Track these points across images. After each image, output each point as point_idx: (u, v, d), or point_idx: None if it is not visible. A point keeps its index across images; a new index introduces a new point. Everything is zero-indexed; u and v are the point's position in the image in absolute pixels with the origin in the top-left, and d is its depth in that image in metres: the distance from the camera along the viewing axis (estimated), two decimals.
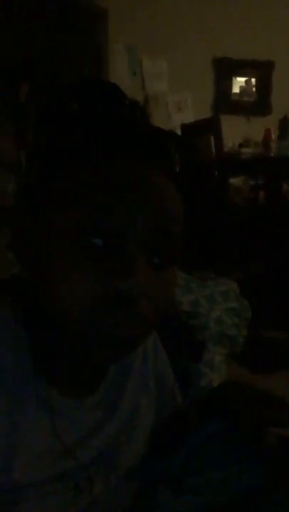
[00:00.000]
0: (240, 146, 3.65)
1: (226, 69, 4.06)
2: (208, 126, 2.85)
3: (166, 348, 0.75)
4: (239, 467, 0.61)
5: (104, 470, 0.58)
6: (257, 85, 4.19)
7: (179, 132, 2.95)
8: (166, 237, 0.48)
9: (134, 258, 0.46)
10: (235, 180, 3.16)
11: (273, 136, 3.38)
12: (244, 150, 3.39)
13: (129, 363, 0.63)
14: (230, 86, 4.15)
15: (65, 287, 0.46)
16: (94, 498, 0.57)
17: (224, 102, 4.12)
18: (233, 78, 4.14)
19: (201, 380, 0.97)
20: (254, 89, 4.20)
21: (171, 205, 0.49)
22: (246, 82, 4.19)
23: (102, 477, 0.58)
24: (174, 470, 0.62)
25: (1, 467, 0.49)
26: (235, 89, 4.19)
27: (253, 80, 4.18)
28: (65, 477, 0.54)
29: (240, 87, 4.19)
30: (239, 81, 4.17)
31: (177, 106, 3.96)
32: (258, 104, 4.19)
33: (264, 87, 4.17)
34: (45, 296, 0.48)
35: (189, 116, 3.70)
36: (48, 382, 0.53)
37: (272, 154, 3.23)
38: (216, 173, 2.78)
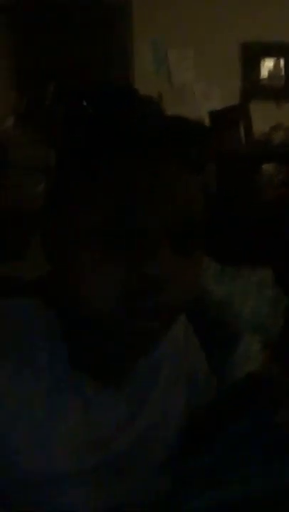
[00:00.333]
0: (271, 131, 3.56)
1: (254, 53, 3.97)
2: (237, 113, 2.80)
3: (199, 338, 0.75)
4: (278, 461, 0.60)
5: (139, 460, 0.59)
6: (286, 68, 4.08)
7: (207, 121, 2.91)
8: (188, 225, 0.50)
9: (158, 245, 0.47)
10: (266, 167, 3.09)
11: None
12: (275, 136, 3.31)
13: (160, 353, 0.64)
14: (258, 71, 4.06)
15: (90, 281, 0.48)
16: (130, 487, 0.58)
17: (253, 87, 4.03)
18: (261, 62, 4.04)
19: (236, 372, 0.96)
20: (283, 72, 4.10)
21: (190, 193, 0.50)
22: (275, 65, 4.08)
23: (136, 467, 0.59)
24: (209, 463, 0.62)
25: (42, 457, 0.51)
26: (264, 74, 4.09)
27: (282, 62, 4.07)
28: (100, 467, 0.55)
29: (269, 71, 4.09)
30: (267, 65, 4.08)
31: (204, 95, 3.91)
32: (287, 87, 4.08)
33: None
34: (74, 291, 0.50)
35: (217, 105, 3.64)
36: (83, 376, 0.54)
37: None
38: (247, 160, 2.73)
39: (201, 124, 0.55)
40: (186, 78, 3.89)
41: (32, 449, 0.51)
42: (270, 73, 4.10)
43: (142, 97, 0.52)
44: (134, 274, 0.47)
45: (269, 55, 4.03)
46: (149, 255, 0.47)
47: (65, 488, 0.53)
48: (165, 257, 0.47)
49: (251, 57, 3.98)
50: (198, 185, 0.52)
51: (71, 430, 0.53)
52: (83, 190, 0.50)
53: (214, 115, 2.99)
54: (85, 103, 0.51)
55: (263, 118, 3.45)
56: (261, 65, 4.05)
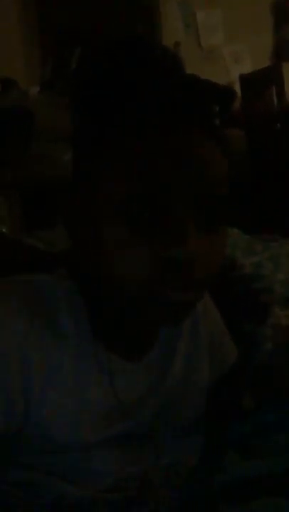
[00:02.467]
0: None
1: (286, 12, 3.80)
2: (269, 76, 2.69)
3: (229, 311, 0.74)
4: None
5: (164, 426, 0.60)
6: None
7: (238, 85, 2.82)
8: (212, 200, 0.49)
9: (183, 225, 0.47)
10: None
11: None
12: None
13: (179, 326, 0.63)
14: None
15: (118, 259, 0.48)
16: (158, 455, 0.59)
17: (285, 48, 3.86)
18: None
19: (266, 344, 0.95)
20: None
21: (215, 167, 0.49)
22: None
23: (162, 434, 0.60)
24: (242, 433, 0.62)
25: (70, 426, 0.52)
26: None
27: None
28: (127, 436, 0.56)
29: None
30: None
31: (234, 57, 3.78)
32: None
33: None
34: (99, 267, 0.50)
35: (248, 68, 3.51)
36: (106, 347, 0.55)
37: None
38: (279, 125, 2.64)
39: (221, 85, 0.53)
40: (215, 40, 3.76)
41: (61, 416, 0.52)
42: None
43: (158, 45, 0.51)
44: (162, 256, 0.47)
45: None
46: (176, 237, 0.47)
47: (93, 454, 0.54)
48: (191, 237, 0.47)
49: (283, 16, 3.81)
50: (223, 155, 0.50)
51: (96, 398, 0.54)
52: (105, 161, 0.49)
53: (245, 78, 2.89)
54: (104, 59, 0.50)
55: None
56: None
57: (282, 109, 2.61)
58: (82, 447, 0.53)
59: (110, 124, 0.49)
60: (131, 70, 0.48)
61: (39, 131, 1.60)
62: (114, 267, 0.48)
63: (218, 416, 0.66)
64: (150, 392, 0.59)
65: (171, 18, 3.64)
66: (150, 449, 0.59)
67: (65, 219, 0.54)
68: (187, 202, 0.47)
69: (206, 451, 0.63)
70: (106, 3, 3.51)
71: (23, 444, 0.52)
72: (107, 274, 0.49)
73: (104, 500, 0.54)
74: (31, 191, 1.68)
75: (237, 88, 2.68)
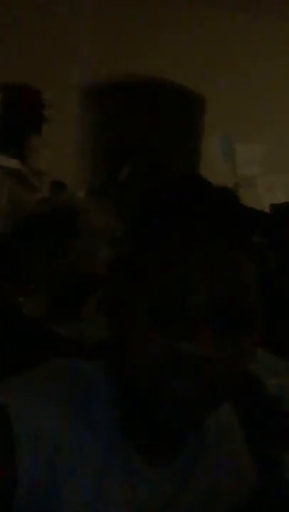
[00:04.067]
0: None
1: None
2: None
3: (252, 433, 0.72)
4: None
5: None
6: None
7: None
8: (236, 306, 0.50)
9: (196, 323, 0.48)
10: None
11: None
12: None
13: (204, 439, 0.63)
14: None
15: (134, 350, 0.50)
16: None
17: None
18: None
19: (285, 471, 0.89)
20: None
21: (242, 275, 0.51)
22: None
23: None
24: None
25: None
26: None
27: None
28: None
29: None
30: None
31: (267, 187, 4.01)
32: None
33: None
34: (122, 357, 0.52)
35: (280, 198, 3.71)
36: (135, 450, 0.54)
37: None
38: None
39: (264, 212, 0.57)
40: (251, 172, 4.02)
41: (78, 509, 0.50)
42: None
43: (216, 188, 0.55)
44: (169, 351, 0.48)
45: None
46: (188, 334, 0.48)
47: None
48: (204, 336, 0.48)
49: None
50: (254, 273, 0.52)
51: (115, 501, 0.52)
52: (142, 264, 0.52)
53: (276, 207, 3.04)
54: (162, 195, 0.55)
55: None
56: None
57: None
58: None
59: (156, 234, 0.53)
60: (191, 207, 0.53)
61: (81, 229, 1.70)
62: (132, 359, 0.50)
63: None
64: (170, 503, 0.57)
65: (212, 148, 3.94)
66: None
67: (105, 311, 0.57)
68: (204, 301, 0.49)
69: None
70: (160, 126, 3.85)
71: None
72: (128, 368, 0.51)
73: None
74: (60, 285, 1.74)
75: None
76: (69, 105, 3.68)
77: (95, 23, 3.79)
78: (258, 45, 3.84)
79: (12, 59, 3.48)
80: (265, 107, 3.88)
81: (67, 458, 0.50)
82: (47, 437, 0.49)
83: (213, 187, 0.55)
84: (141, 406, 0.52)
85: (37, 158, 2.96)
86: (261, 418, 0.98)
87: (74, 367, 0.56)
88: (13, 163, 2.65)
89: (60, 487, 0.49)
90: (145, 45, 3.72)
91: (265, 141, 3.91)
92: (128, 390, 0.53)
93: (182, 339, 0.47)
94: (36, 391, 0.51)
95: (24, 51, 3.52)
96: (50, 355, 0.61)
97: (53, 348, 0.95)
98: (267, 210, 3.00)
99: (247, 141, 3.95)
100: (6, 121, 2.74)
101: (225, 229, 0.52)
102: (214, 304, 0.49)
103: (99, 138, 3.98)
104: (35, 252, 1.57)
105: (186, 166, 3.94)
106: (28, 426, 0.49)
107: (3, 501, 0.47)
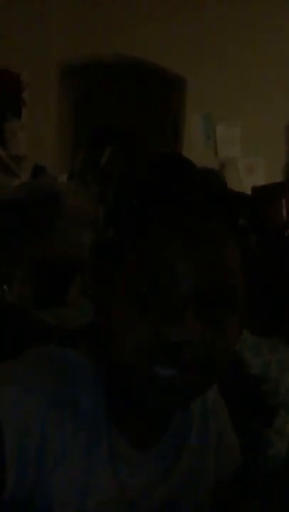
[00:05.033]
0: None
1: None
2: (281, 190, 2.85)
3: (236, 411, 0.74)
4: None
5: None
6: None
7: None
8: (221, 289, 0.50)
9: (181, 307, 0.48)
10: None
11: None
12: None
13: (189, 418, 0.64)
14: None
15: (119, 334, 0.50)
16: None
17: None
18: None
19: (269, 449, 0.92)
20: None
21: (227, 258, 0.51)
22: None
23: None
24: None
25: (77, 506, 0.51)
26: None
27: None
28: None
29: None
30: None
31: (248, 169, 4.02)
32: None
33: None
34: (109, 343, 0.52)
35: (260, 180, 3.73)
36: (119, 430, 0.55)
37: None
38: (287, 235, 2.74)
39: (247, 195, 0.57)
40: (232, 153, 4.02)
41: (66, 498, 0.50)
42: None
43: (202, 169, 0.55)
44: (157, 334, 0.48)
45: None
46: (173, 319, 0.48)
47: None
48: (189, 320, 0.48)
49: None
50: (239, 256, 0.53)
51: (100, 483, 0.53)
52: (126, 246, 0.52)
53: (257, 190, 3.06)
54: (145, 173, 0.55)
55: None
56: None
57: None
58: None
59: (139, 217, 0.53)
60: (172, 186, 0.53)
61: (63, 213, 1.68)
62: (116, 343, 0.51)
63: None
64: (156, 484, 0.58)
65: (193, 128, 3.92)
66: None
67: (91, 297, 0.57)
68: (188, 285, 0.49)
69: None
70: (139, 106, 3.82)
71: None
72: (113, 351, 0.51)
73: None
74: (44, 270, 1.73)
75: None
76: (47, 85, 3.61)
77: (74, 3, 3.71)
78: (239, 29, 3.80)
79: None
80: (244, 90, 3.86)
81: (53, 447, 0.50)
82: (33, 426, 0.49)
83: (198, 168, 0.55)
84: (128, 393, 0.53)
85: (17, 142, 2.91)
86: (245, 397, 1.00)
87: (58, 354, 0.56)
88: None
89: (48, 476, 0.50)
90: (126, 25, 3.66)
91: (246, 123, 3.90)
92: (115, 377, 0.54)
93: (169, 325, 0.48)
94: (21, 379, 0.52)
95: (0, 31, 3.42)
96: (35, 342, 0.61)
97: (38, 335, 0.96)
98: (248, 192, 3.04)
99: (227, 123, 3.94)
100: None
101: (211, 212, 0.52)
102: (201, 289, 0.49)
103: (78, 119, 3.92)
104: (16, 238, 1.56)
105: (166, 146, 3.92)
106: (15, 414, 0.49)
107: None
